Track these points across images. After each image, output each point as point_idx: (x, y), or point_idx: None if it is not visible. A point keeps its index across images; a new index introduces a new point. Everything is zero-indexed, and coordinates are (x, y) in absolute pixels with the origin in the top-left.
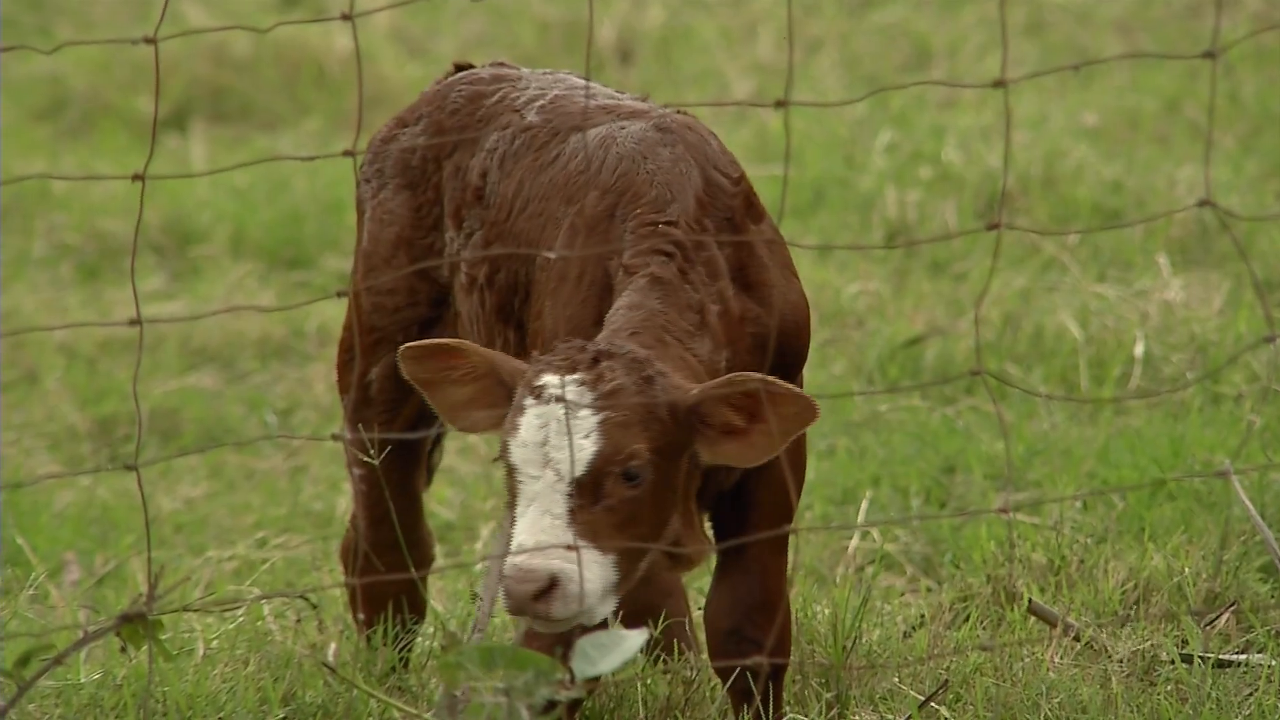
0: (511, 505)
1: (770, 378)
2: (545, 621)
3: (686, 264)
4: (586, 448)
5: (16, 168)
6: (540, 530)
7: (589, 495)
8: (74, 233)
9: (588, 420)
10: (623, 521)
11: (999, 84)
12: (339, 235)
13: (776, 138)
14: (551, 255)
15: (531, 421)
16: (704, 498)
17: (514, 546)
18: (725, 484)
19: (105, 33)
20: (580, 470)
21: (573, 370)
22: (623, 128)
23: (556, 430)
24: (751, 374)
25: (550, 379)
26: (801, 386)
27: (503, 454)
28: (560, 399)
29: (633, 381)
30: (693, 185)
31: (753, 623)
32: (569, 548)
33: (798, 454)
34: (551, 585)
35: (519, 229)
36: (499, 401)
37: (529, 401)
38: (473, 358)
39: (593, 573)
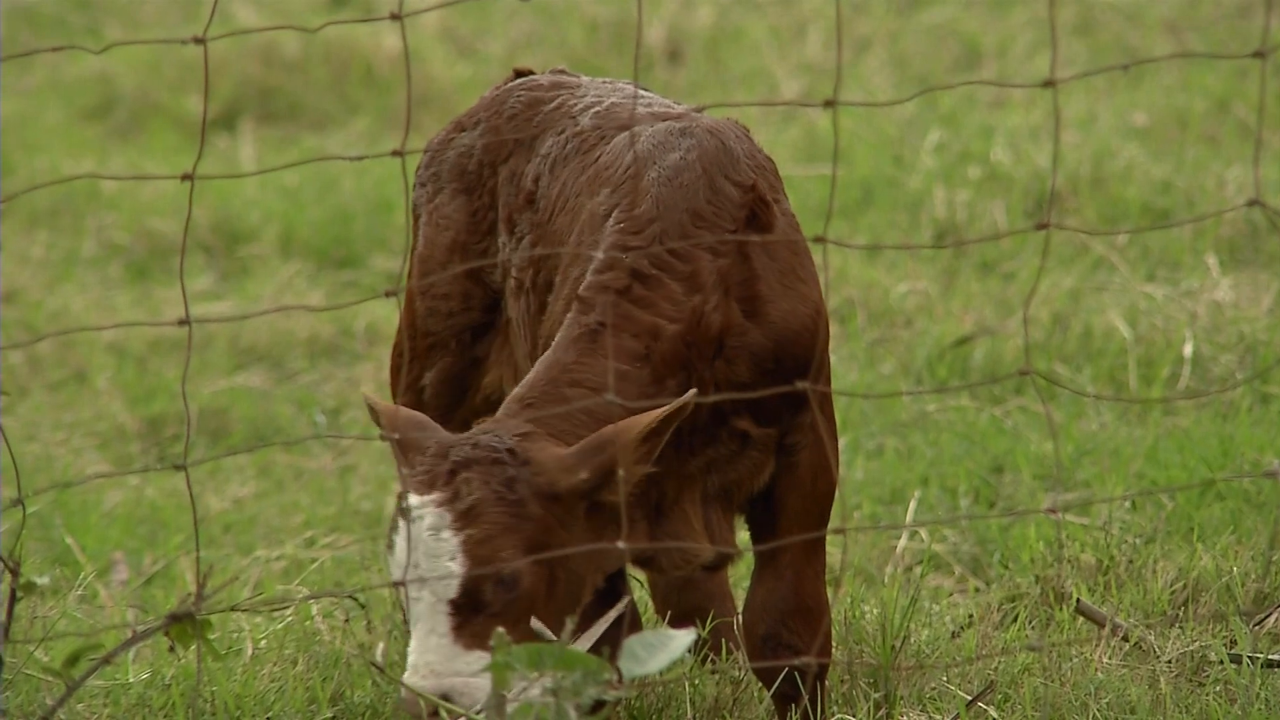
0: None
1: (624, 425)
2: None
3: (647, 290)
4: (454, 570)
5: (66, 167)
6: (428, 650)
7: (469, 610)
8: (123, 232)
9: (450, 542)
10: (515, 619)
11: (1048, 84)
12: (387, 235)
13: (825, 137)
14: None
15: (401, 543)
16: (732, 503)
17: (409, 663)
18: (754, 488)
19: (154, 33)
20: (452, 593)
21: (432, 488)
22: (651, 127)
23: (424, 553)
24: (606, 431)
25: (414, 499)
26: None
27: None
28: (422, 520)
29: (492, 490)
30: (689, 199)
31: (787, 628)
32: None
33: (822, 459)
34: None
35: (557, 227)
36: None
37: (399, 521)
38: (385, 419)
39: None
